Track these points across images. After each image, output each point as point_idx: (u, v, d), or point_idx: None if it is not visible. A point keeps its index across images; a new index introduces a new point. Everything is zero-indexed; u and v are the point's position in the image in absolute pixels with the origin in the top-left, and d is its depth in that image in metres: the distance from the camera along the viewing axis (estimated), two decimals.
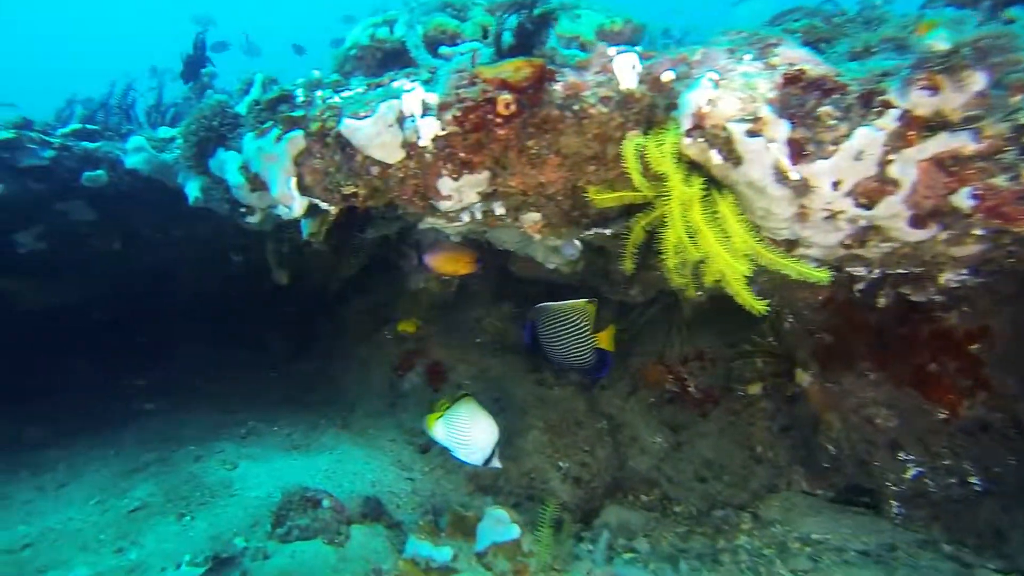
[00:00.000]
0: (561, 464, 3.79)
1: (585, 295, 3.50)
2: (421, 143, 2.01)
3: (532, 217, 2.66)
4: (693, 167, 2.11)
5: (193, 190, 2.98)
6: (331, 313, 5.87)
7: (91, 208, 3.85)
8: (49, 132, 3.67)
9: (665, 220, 2.10)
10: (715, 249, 1.91)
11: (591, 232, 2.76)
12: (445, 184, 2.12)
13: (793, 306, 3.49)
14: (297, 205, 2.24)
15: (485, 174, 2.11)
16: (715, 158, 1.89)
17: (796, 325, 3.62)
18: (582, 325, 3.32)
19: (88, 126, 3.91)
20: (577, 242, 2.87)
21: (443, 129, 1.96)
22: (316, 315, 6.06)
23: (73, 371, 5.43)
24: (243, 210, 2.51)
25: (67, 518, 3.32)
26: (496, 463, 2.85)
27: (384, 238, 4.20)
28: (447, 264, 3.61)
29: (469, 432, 2.79)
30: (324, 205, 2.35)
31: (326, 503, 3.07)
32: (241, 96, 2.35)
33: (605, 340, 3.38)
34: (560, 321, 3.35)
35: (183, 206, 3.40)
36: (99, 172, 3.59)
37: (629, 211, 2.42)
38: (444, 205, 2.21)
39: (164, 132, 3.79)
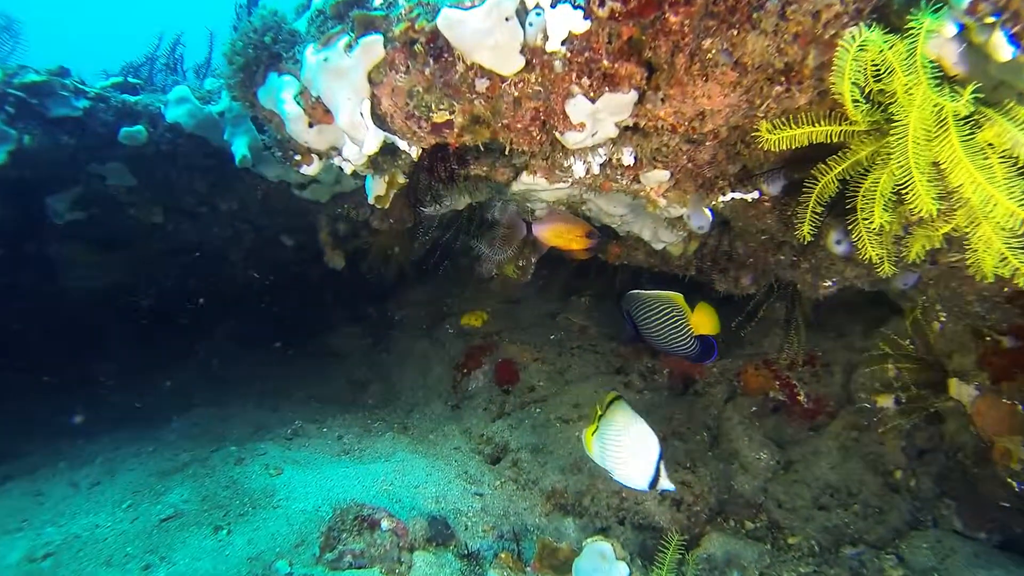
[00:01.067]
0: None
1: (676, 287, 3.00)
2: (549, 46, 1.47)
3: (658, 176, 2.10)
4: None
5: (240, 147, 2.53)
6: (388, 304, 5.41)
7: (130, 171, 3.44)
8: (85, 83, 3.27)
9: (874, 161, 1.51)
10: (984, 192, 1.31)
11: (729, 197, 2.18)
12: (578, 107, 1.56)
13: (956, 301, 2.83)
14: (371, 139, 1.73)
15: (632, 95, 1.56)
16: (1003, 48, 1.26)
17: (955, 325, 2.96)
18: (674, 316, 2.88)
19: (131, 79, 3.49)
20: (708, 211, 2.29)
21: (586, 19, 1.41)
22: (372, 306, 5.61)
23: (115, 359, 5.10)
24: (297, 158, 2.04)
25: (95, 524, 2.90)
26: (666, 483, 2.23)
27: (453, 219, 3.69)
28: (560, 236, 3.04)
29: (624, 445, 2.20)
30: (404, 144, 1.84)
31: (385, 524, 2.56)
32: (301, 13, 1.87)
33: (704, 323, 2.87)
34: (652, 310, 2.89)
35: (231, 170, 2.96)
36: (138, 128, 3.16)
37: (793, 160, 1.84)
38: (572, 139, 1.67)
39: (211, 83, 3.36)
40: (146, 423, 4.30)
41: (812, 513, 3.33)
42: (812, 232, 1.71)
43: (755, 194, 2.14)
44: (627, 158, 1.88)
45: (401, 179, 2.53)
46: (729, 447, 3.72)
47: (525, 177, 2.27)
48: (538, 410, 3.77)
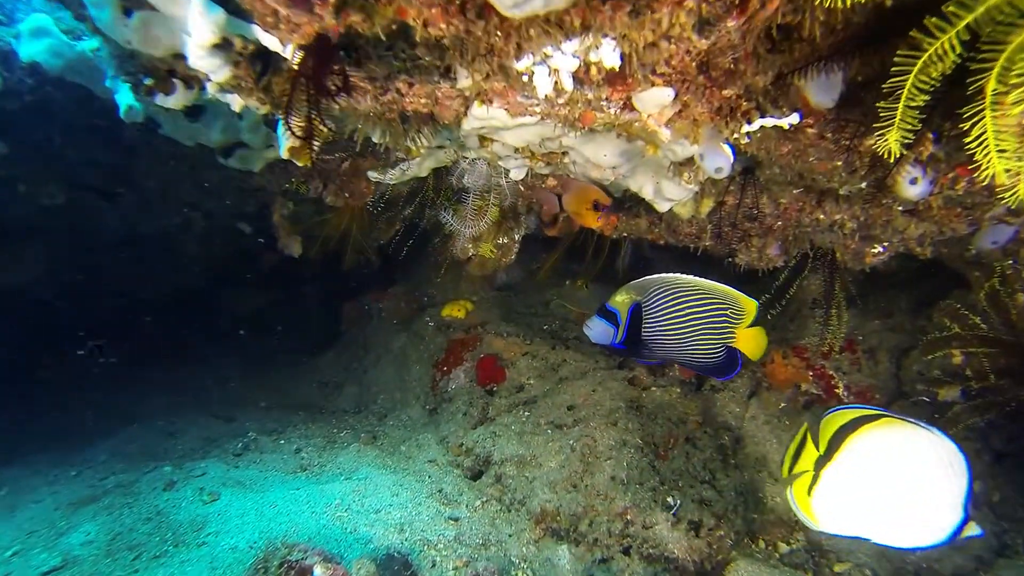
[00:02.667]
0: (671, 500, 2.60)
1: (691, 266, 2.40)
2: None
3: (658, 97, 1.49)
4: None
5: (125, 95, 1.95)
6: (365, 295, 4.83)
7: None
8: None
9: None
10: None
11: (757, 125, 1.56)
12: None
13: None
14: (199, 19, 1.15)
15: None
16: None
17: None
18: (724, 315, 2.24)
19: None
20: (728, 147, 1.68)
21: None
22: (344, 297, 5.02)
23: (50, 368, 4.56)
24: (148, 82, 1.47)
25: None
26: (975, 530, 1.51)
27: (417, 190, 3.09)
28: (578, 201, 2.43)
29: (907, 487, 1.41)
30: (269, 39, 1.26)
31: (319, 572, 1.98)
32: None
33: (749, 340, 2.29)
34: (684, 302, 2.20)
35: (135, 133, 2.37)
36: None
37: (867, 36, 1.23)
38: (513, 9, 1.06)
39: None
40: (82, 441, 3.76)
41: None
42: (908, 137, 1.08)
43: (794, 116, 1.52)
44: (610, 57, 1.28)
45: (326, 127, 1.93)
46: (755, 451, 3.11)
47: (477, 110, 1.66)
48: (527, 414, 3.17)
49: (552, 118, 1.70)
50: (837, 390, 3.18)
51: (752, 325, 2.27)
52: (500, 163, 2.46)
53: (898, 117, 1.03)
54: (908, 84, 0.98)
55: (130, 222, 3.69)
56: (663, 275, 2.21)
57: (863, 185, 1.79)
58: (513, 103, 1.64)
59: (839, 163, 1.67)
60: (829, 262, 2.63)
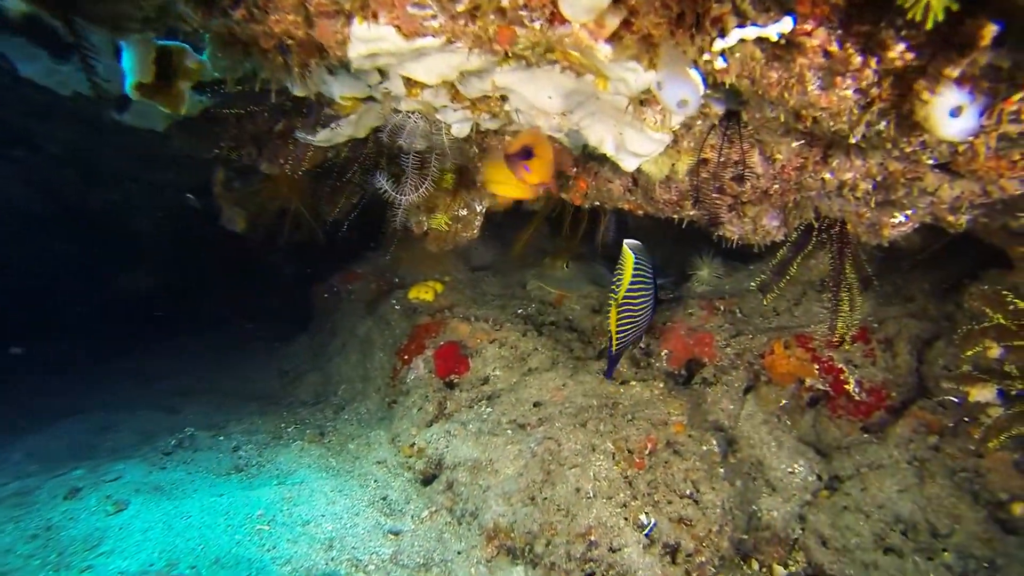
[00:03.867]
0: (644, 519, 2.20)
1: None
2: None
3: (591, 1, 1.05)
4: None
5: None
6: (335, 276, 4.45)
7: None
8: None
9: None
10: None
11: (735, 38, 1.12)
12: None
13: None
14: None
15: None
16: None
17: None
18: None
19: None
20: (695, 72, 1.24)
21: None
22: (317, 278, 4.64)
23: None
24: None
25: None
26: None
27: (355, 153, 2.68)
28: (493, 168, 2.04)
29: None
30: None
31: None
32: None
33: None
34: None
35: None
36: None
37: None
38: None
39: None
40: (19, 433, 3.42)
41: (875, 558, 2.30)
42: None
43: (785, 21, 1.08)
44: None
45: (194, 62, 1.53)
46: (750, 455, 2.70)
47: (358, 28, 1.24)
48: (488, 410, 2.78)
49: (461, 39, 1.27)
50: (847, 386, 2.74)
51: None
52: (438, 116, 2.04)
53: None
54: None
55: (55, 193, 3.32)
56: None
57: (882, 126, 1.34)
58: (403, 17, 1.22)
59: (848, 92, 1.23)
60: (838, 235, 2.18)
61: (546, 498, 2.29)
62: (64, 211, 3.50)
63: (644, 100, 1.52)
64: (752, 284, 2.52)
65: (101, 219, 3.70)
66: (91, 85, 1.42)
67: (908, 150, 1.50)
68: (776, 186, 1.96)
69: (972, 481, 2.26)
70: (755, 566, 2.50)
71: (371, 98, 2.08)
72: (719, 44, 1.17)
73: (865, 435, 2.71)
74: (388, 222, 2.58)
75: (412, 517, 2.51)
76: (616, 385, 2.74)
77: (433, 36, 1.27)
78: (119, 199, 3.56)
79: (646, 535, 2.18)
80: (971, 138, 1.23)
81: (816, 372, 2.80)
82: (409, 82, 1.84)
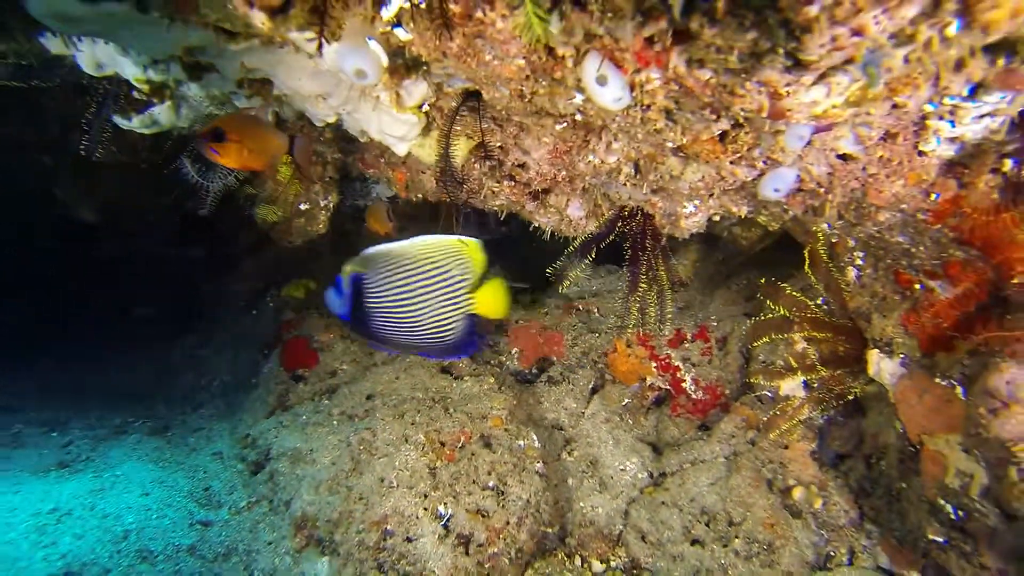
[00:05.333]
0: (442, 509, 2.18)
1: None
2: None
3: None
4: None
5: None
6: (228, 274, 4.39)
7: None
8: None
9: None
10: None
11: (396, 7, 1.14)
12: None
13: (864, 223, 1.81)
14: None
15: None
16: None
17: (874, 270, 1.93)
18: (452, 277, 1.80)
19: None
20: (373, 43, 1.25)
21: None
22: (210, 278, 4.57)
23: None
24: None
25: None
26: None
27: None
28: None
29: None
30: None
31: None
32: None
33: (487, 297, 1.83)
34: (416, 273, 1.77)
35: None
36: None
37: None
38: None
39: None
40: None
41: (683, 550, 2.31)
42: None
43: None
44: None
45: None
46: (587, 454, 2.70)
47: None
48: (326, 402, 2.75)
49: (152, 7, 1.27)
50: (683, 384, 2.78)
51: (485, 275, 1.81)
52: (236, 103, 2.04)
53: None
54: None
55: None
56: (395, 243, 1.77)
57: (579, 99, 1.36)
58: None
59: (520, 61, 1.25)
60: (641, 226, 2.22)
61: (349, 487, 2.26)
62: None
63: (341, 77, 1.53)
64: (549, 271, 2.49)
65: None
66: None
67: (630, 130, 1.54)
68: (562, 172, 1.98)
69: (774, 471, 2.29)
70: (577, 562, 2.49)
71: (166, 85, 2.08)
72: (385, 12, 1.18)
73: (701, 432, 2.74)
74: (203, 212, 2.54)
75: (230, 508, 2.46)
76: (450, 380, 2.73)
77: (117, 1, 1.27)
78: None
79: (443, 525, 2.16)
80: (629, 107, 1.26)
81: (654, 370, 2.83)
82: (189, 66, 1.84)
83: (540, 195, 2.17)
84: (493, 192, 2.09)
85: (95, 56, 1.94)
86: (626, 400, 2.88)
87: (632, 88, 1.19)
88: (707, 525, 2.30)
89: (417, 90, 1.55)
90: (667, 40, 1.02)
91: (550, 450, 2.61)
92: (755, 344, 2.41)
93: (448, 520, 2.16)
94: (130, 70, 1.99)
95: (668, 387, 2.84)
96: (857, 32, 0.89)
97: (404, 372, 2.73)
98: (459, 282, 1.79)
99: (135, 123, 2.38)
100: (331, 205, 2.89)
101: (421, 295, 1.79)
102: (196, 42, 1.46)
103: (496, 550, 2.13)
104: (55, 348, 4.49)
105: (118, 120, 2.40)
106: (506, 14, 1.12)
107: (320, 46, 1.26)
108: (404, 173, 2.34)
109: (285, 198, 2.67)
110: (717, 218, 2.13)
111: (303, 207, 2.79)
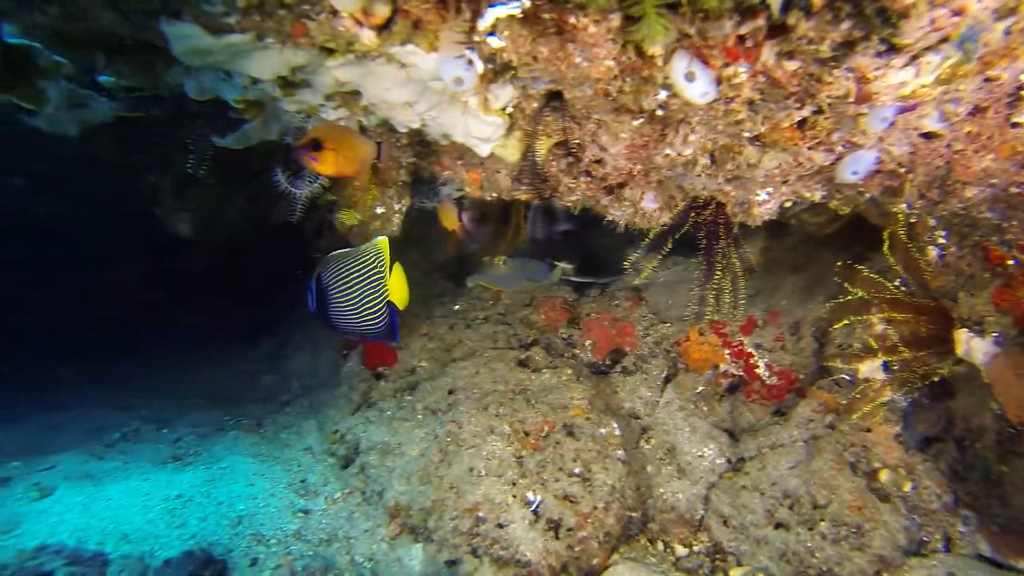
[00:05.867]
0: (531, 496, 2.27)
1: None
2: None
3: None
4: None
5: None
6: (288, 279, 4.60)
7: None
8: None
9: None
10: None
11: (492, 18, 1.23)
12: None
13: (949, 201, 1.80)
14: None
15: None
16: None
17: (958, 248, 1.92)
18: (374, 273, 2.24)
19: None
20: (470, 52, 1.34)
21: None
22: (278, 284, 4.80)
23: None
24: None
25: None
26: None
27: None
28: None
29: None
30: None
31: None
32: None
33: (394, 289, 2.27)
34: (350, 272, 2.22)
35: None
36: None
37: None
38: None
39: None
40: None
41: (766, 533, 2.34)
42: None
43: None
44: None
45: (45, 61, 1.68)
46: (664, 441, 2.75)
47: (169, 26, 1.38)
48: (408, 398, 2.88)
49: (266, 35, 1.40)
50: (757, 370, 2.79)
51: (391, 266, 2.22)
52: (322, 115, 2.18)
53: None
54: None
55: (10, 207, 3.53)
56: (343, 249, 2.24)
57: (663, 96, 1.43)
58: (203, 14, 1.34)
59: (610, 62, 1.32)
60: (714, 215, 2.25)
61: (440, 477, 2.38)
62: (11, 223, 3.71)
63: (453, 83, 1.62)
64: (626, 263, 2.58)
65: (48, 228, 3.91)
66: None
67: (714, 123, 1.59)
68: (638, 166, 2.04)
69: (856, 454, 2.29)
70: (660, 547, 2.54)
71: (262, 102, 2.23)
72: (482, 24, 1.27)
73: (777, 418, 2.74)
74: (292, 218, 2.70)
75: (325, 498, 2.61)
76: (528, 372, 2.82)
77: (240, 33, 1.40)
78: (64, 209, 3.75)
79: (532, 511, 2.25)
80: (720, 102, 1.31)
81: (727, 357, 2.85)
82: (285, 83, 1.98)
83: (615, 189, 2.22)
84: (569, 188, 2.16)
85: (200, 84, 2.11)
86: (700, 388, 2.91)
87: (719, 82, 1.24)
88: (790, 508, 2.32)
89: (504, 93, 1.63)
90: (760, 36, 1.08)
91: (628, 438, 2.67)
92: (834, 327, 2.41)
93: (537, 506, 2.24)
94: (230, 93, 2.16)
95: (741, 373, 2.86)
96: (958, 12, 0.92)
97: (484, 367, 2.83)
98: (377, 275, 2.20)
99: (229, 140, 2.56)
100: (404, 208, 3.01)
101: (353, 288, 2.21)
102: (300, 61, 1.59)
103: (585, 534, 2.20)
104: (155, 353, 4.83)
105: (215, 139, 2.59)
106: (598, 19, 1.19)
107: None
108: (479, 173, 2.44)
109: (364, 203, 2.80)
110: (789, 204, 2.14)
111: (379, 211, 2.92)
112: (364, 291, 2.22)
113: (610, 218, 2.43)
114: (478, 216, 3.21)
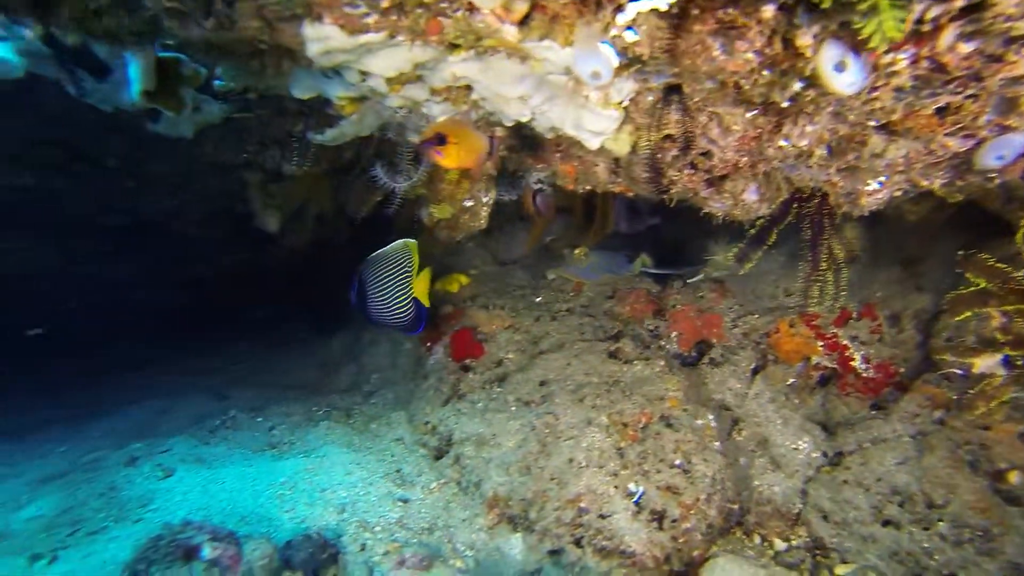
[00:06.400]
0: (633, 487, 2.28)
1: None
2: None
3: None
4: None
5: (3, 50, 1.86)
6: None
7: None
8: None
9: None
10: None
11: (632, 11, 1.23)
12: None
13: None
14: None
15: None
16: None
17: None
18: (404, 271, 2.62)
19: None
20: (607, 46, 1.35)
21: None
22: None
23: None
24: None
25: None
26: None
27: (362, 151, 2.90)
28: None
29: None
30: None
31: (207, 552, 1.84)
32: None
33: (420, 288, 2.68)
34: (386, 269, 2.60)
35: (65, 101, 2.31)
36: None
37: None
38: None
39: None
40: (90, 419, 3.85)
41: (873, 531, 2.29)
42: None
43: None
44: None
45: (189, 70, 1.77)
46: (756, 433, 2.72)
47: (308, 28, 1.43)
48: (498, 390, 2.92)
49: (400, 33, 1.44)
50: (853, 363, 2.73)
51: (421, 268, 2.63)
52: (424, 111, 2.22)
53: None
54: None
55: (118, 206, 3.74)
56: (383, 248, 2.59)
57: (798, 86, 1.40)
58: (343, 16, 1.39)
59: (750, 55, 1.31)
60: (818, 207, 2.21)
61: (540, 468, 2.41)
62: (121, 219, 3.93)
63: (577, 77, 1.63)
64: (727, 256, 2.57)
65: (153, 225, 4.13)
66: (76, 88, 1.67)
67: (840, 111, 1.55)
68: (745, 158, 2.01)
69: (974, 453, 2.21)
70: (756, 540, 2.53)
71: (366, 98, 2.29)
72: (620, 19, 1.28)
73: (874, 412, 2.68)
74: (391, 213, 2.78)
75: (422, 488, 2.68)
76: (620, 364, 2.82)
77: (375, 32, 1.45)
78: (168, 205, 3.95)
79: (635, 502, 2.26)
80: (862, 89, 1.28)
81: (820, 349, 2.80)
82: (393, 80, 2.03)
83: (716, 181, 2.20)
84: (672, 181, 2.14)
85: (307, 83, 2.18)
86: (791, 380, 2.87)
87: (875, 70, 1.22)
88: (900, 506, 2.26)
89: (625, 87, 1.64)
90: (946, 18, 1.05)
91: (721, 429, 2.64)
92: (943, 320, 2.32)
93: (640, 497, 2.26)
94: (334, 90, 2.22)
95: (835, 366, 2.80)
96: None
97: (575, 359, 2.86)
98: (405, 274, 2.58)
99: (327, 136, 2.63)
100: (491, 201, 3.05)
101: (387, 285, 2.58)
102: (425, 58, 1.63)
103: (689, 525, 2.21)
104: (239, 343, 5.05)
105: (311, 135, 2.67)
106: (750, 10, 1.18)
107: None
108: (575, 166, 2.45)
109: (455, 197, 2.85)
110: (899, 193, 2.08)
111: (467, 204, 2.97)
112: (395, 287, 2.59)
113: (707, 210, 2.40)
114: (553, 200, 3.18)
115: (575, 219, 3.51)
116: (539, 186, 3.20)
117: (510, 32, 1.31)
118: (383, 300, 2.62)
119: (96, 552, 2.23)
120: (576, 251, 3.67)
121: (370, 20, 1.39)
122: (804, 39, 1.19)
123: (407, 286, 2.62)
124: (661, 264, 3.58)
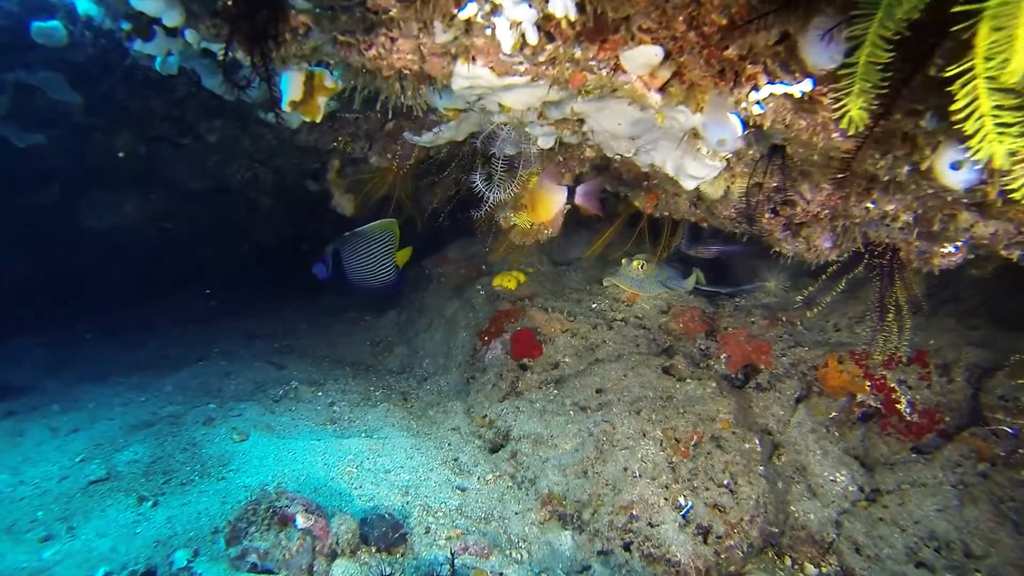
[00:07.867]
0: (682, 500, 2.44)
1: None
2: None
3: (645, 55, 1.33)
4: None
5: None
6: (426, 259, 4.89)
7: (71, 86, 2.98)
8: None
9: None
10: None
11: (766, 92, 1.36)
12: None
13: None
14: None
15: None
16: None
17: None
18: (386, 244, 3.51)
19: None
20: (735, 117, 1.48)
21: None
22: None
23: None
24: (125, 27, 1.51)
25: (19, 481, 2.64)
26: None
27: (453, 154, 3.05)
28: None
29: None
30: None
31: (300, 522, 2.03)
32: None
33: (401, 258, 3.67)
34: (368, 244, 3.47)
35: (183, 86, 2.49)
36: (54, 24, 2.65)
37: None
38: None
39: None
40: (160, 372, 4.10)
41: (906, 570, 2.43)
42: (870, 110, 0.88)
43: (806, 83, 1.31)
44: (561, 5, 1.15)
45: (330, 82, 1.92)
46: (795, 460, 2.86)
47: (461, 67, 1.57)
48: (555, 392, 3.09)
49: (543, 79, 1.58)
50: (899, 405, 2.84)
51: (401, 246, 3.58)
52: (527, 130, 2.36)
53: (858, 76, 0.83)
54: (871, 32, 0.78)
55: (207, 174, 3.95)
56: (360, 228, 3.43)
57: (906, 170, 1.52)
58: (497, 61, 1.53)
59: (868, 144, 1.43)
60: (889, 260, 2.32)
61: (597, 473, 2.58)
62: (209, 186, 4.16)
63: (697, 133, 1.76)
64: (798, 297, 2.69)
65: (234, 193, 4.34)
66: (235, 92, 1.84)
67: (939, 192, 1.67)
68: (825, 212, 2.13)
69: (1019, 512, 2.33)
70: (787, 562, 2.68)
71: (469, 108, 2.43)
72: (753, 96, 1.40)
73: (915, 455, 2.80)
74: (478, 216, 2.93)
75: (478, 478, 2.86)
76: (673, 380, 2.97)
77: (520, 76, 1.58)
78: (249, 177, 4.16)
79: (683, 516, 2.42)
80: (976, 186, 1.39)
81: (867, 388, 2.91)
82: (501, 105, 2.17)
83: (794, 227, 2.32)
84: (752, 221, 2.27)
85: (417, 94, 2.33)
86: (833, 413, 2.99)
87: (991, 175, 1.33)
88: (936, 551, 2.40)
89: (736, 145, 1.77)
90: None
91: (763, 453, 2.79)
92: (1015, 380, 2.42)
93: (688, 511, 2.41)
94: (442, 102, 2.37)
95: (879, 406, 2.91)
96: None
97: (631, 370, 3.00)
98: (389, 245, 3.50)
99: (424, 139, 2.79)
100: (565, 211, 3.19)
101: (370, 255, 3.47)
102: (555, 98, 1.77)
103: (732, 543, 2.36)
104: (287, 314, 5.29)
105: (409, 136, 2.83)
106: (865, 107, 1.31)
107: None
108: (657, 195, 2.57)
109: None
110: (972, 257, 2.19)
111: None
112: (379, 256, 3.46)
113: (777, 249, 2.53)
114: (597, 189, 3.10)
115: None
116: (604, 195, 3.33)
117: (654, 99, 1.44)
118: (367, 268, 3.48)
119: (191, 502, 2.45)
120: (634, 262, 3.80)
121: (521, 67, 1.53)
122: (924, 139, 1.31)
123: (390, 253, 3.53)
124: (714, 283, 3.70)
